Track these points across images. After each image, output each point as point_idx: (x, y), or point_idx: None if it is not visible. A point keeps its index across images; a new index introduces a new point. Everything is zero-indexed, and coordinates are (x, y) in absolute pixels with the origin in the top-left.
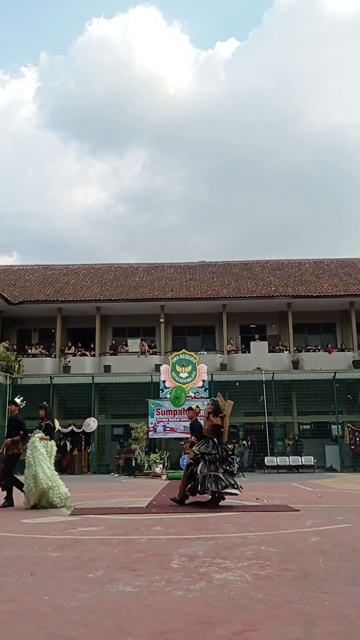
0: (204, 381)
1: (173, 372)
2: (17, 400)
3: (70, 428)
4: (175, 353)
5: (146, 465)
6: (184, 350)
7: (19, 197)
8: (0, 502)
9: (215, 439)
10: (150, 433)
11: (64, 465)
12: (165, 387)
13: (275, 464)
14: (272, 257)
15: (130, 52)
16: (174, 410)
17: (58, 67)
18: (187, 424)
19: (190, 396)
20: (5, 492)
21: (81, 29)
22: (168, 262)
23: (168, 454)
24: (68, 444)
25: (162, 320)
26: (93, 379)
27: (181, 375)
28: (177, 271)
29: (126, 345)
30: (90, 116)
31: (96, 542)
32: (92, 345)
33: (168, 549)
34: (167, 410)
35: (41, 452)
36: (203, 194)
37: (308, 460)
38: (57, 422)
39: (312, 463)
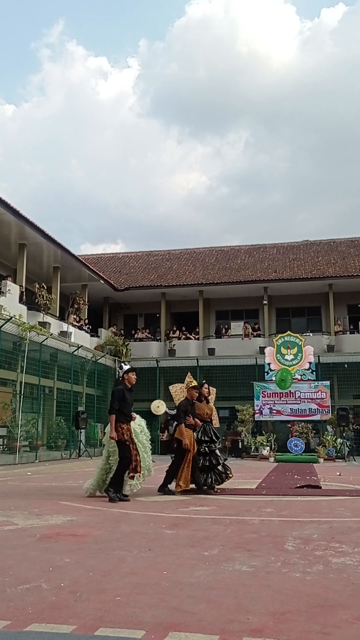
0: (310, 363)
1: (278, 355)
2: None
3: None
4: (280, 335)
5: (253, 447)
6: (288, 332)
7: (123, 186)
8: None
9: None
10: (256, 415)
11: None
12: (271, 370)
13: None
14: None
15: (232, 30)
16: (280, 393)
17: (157, 53)
18: (295, 406)
19: (296, 378)
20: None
21: (180, 12)
22: (270, 243)
23: (275, 436)
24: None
25: (265, 302)
26: (198, 362)
27: (286, 357)
28: (280, 252)
29: (229, 328)
30: (191, 99)
31: (209, 522)
32: (196, 329)
33: (281, 531)
34: (273, 393)
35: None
36: (309, 170)
37: None
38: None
39: None
